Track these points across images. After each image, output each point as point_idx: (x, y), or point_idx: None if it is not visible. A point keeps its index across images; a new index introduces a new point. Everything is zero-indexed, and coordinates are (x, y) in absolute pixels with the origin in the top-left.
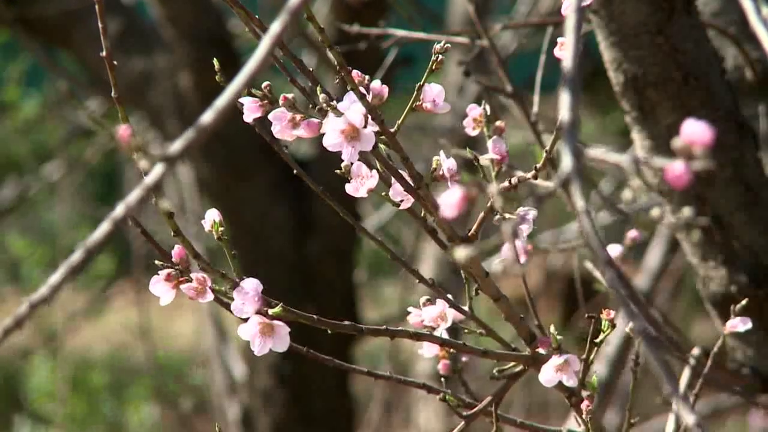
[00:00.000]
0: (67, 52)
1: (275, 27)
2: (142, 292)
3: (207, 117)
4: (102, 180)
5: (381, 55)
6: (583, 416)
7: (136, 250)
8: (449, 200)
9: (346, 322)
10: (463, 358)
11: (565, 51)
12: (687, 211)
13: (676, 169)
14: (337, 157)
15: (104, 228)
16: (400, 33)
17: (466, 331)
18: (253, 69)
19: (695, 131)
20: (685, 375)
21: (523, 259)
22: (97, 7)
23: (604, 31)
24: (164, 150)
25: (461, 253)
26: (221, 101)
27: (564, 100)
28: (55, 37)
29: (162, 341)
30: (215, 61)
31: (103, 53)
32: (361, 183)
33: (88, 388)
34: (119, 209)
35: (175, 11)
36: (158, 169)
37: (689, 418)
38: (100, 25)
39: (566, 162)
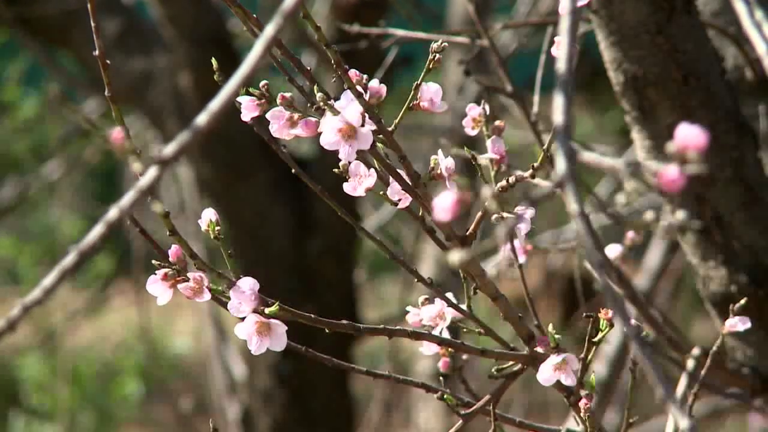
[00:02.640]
0: (66, 52)
1: (269, 30)
2: (142, 291)
3: (201, 119)
4: (102, 179)
5: (381, 55)
6: (582, 415)
7: (135, 249)
8: (443, 204)
9: (344, 321)
10: (463, 357)
11: (560, 52)
12: (681, 215)
13: (670, 173)
14: (337, 157)
15: (98, 230)
16: (400, 33)
17: (464, 330)
18: (247, 71)
19: (689, 135)
20: (684, 377)
21: (522, 258)
22: (89, 5)
23: (604, 31)
24: (158, 152)
25: (455, 257)
26: (215, 104)
27: (557, 102)
28: (55, 37)
29: (162, 341)
30: (213, 61)
31: (96, 52)
32: (359, 182)
33: (81, 380)
34: (113, 212)
35: (175, 11)
36: (152, 172)
37: (683, 423)
38: (92, 24)
39: (560, 165)
